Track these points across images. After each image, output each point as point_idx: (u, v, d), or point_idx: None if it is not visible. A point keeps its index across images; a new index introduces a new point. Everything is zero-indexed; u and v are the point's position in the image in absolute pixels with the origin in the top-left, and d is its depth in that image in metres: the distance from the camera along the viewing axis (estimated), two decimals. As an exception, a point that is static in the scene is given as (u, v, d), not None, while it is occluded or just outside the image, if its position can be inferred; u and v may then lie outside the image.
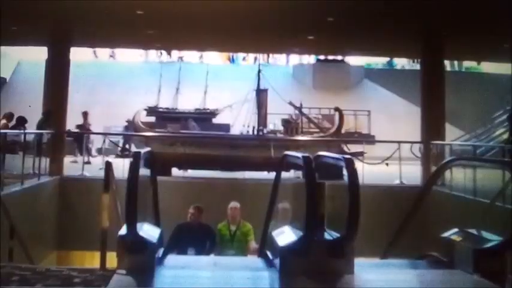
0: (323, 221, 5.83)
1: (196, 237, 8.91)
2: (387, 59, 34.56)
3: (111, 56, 34.90)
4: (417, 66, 33.27)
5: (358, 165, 6.72)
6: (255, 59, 34.27)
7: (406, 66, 35.54)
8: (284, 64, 36.62)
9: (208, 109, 26.89)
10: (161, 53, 34.92)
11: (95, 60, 33.19)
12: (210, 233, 9.17)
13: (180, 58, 34.53)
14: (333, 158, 6.31)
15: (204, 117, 25.63)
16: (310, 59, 34.97)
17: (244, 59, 36.46)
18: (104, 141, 18.18)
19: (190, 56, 34.48)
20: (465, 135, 21.93)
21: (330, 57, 33.58)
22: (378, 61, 35.63)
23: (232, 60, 36.74)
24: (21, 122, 13.86)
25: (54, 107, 14.96)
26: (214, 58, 34.81)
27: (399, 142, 15.47)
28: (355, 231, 5.31)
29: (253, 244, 8.59)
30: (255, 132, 18.76)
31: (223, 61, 36.13)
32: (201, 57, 34.89)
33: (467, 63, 35.02)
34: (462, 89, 28.22)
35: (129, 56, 34.02)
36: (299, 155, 6.24)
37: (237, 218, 9.11)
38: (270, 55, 35.89)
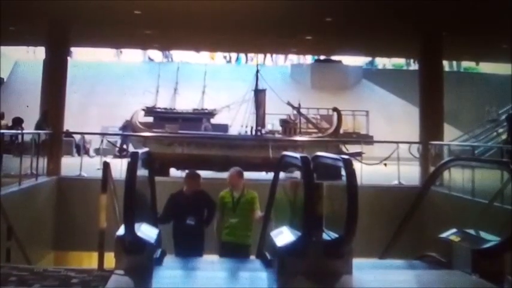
0: (321, 221, 5.82)
1: (194, 205, 8.35)
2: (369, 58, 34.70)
3: (116, 55, 34.94)
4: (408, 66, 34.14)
5: (357, 165, 6.71)
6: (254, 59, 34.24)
7: (387, 65, 35.87)
8: (282, 64, 36.61)
9: (206, 109, 26.84)
10: (165, 55, 34.99)
11: (92, 61, 33.12)
12: (208, 200, 8.56)
13: (171, 57, 34.64)
14: (331, 158, 6.30)
15: (201, 117, 25.58)
16: (305, 59, 35.01)
17: (247, 60, 36.44)
18: (102, 141, 18.13)
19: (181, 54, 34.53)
20: (463, 136, 21.94)
21: (323, 57, 33.59)
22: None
23: (236, 60, 36.68)
24: (18, 122, 13.83)
25: (52, 107, 14.92)
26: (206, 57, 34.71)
27: (397, 142, 15.46)
28: (354, 231, 5.30)
29: (259, 213, 8.11)
30: (253, 133, 18.73)
31: (213, 60, 35.95)
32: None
33: (465, 64, 35.04)
34: (461, 89, 28.21)
35: (128, 57, 33.98)
36: (297, 155, 6.23)
37: (239, 185, 8.42)
38: (267, 56, 35.88)
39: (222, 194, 8.49)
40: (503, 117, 19.72)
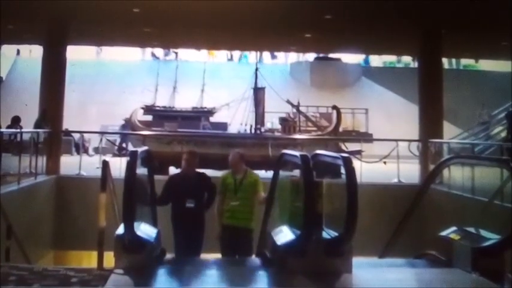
0: (321, 219, 5.81)
1: (194, 187, 8.02)
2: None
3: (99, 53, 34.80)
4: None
5: (356, 163, 6.70)
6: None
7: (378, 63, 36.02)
8: (283, 62, 36.61)
9: (205, 108, 26.83)
10: (167, 53, 34.97)
11: (91, 59, 33.10)
12: (209, 183, 8.27)
13: (176, 55, 34.62)
14: (330, 156, 6.29)
15: (201, 116, 25.58)
16: (304, 56, 35.01)
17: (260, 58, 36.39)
18: (101, 140, 18.09)
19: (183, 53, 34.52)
20: (463, 133, 21.93)
21: (323, 55, 33.61)
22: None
23: (241, 59, 36.57)
24: (16, 121, 13.82)
25: (51, 106, 14.90)
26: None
27: (397, 140, 15.46)
28: (353, 230, 5.29)
29: (262, 194, 7.83)
30: (253, 131, 18.73)
31: (213, 56, 35.86)
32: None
33: (465, 61, 35.05)
34: (460, 87, 28.20)
35: (126, 55, 33.91)
36: (297, 153, 6.22)
37: (240, 167, 8.18)
38: (267, 54, 35.87)
39: (224, 176, 8.30)
40: (497, 118, 19.73)
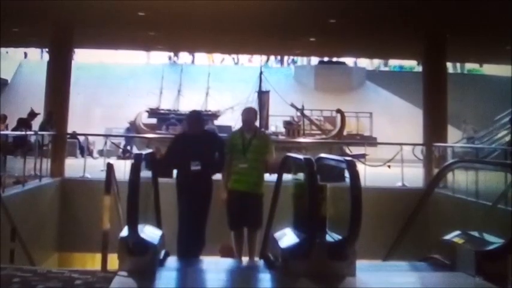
0: (325, 223, 5.82)
1: (201, 148, 7.08)
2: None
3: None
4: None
5: (360, 167, 6.69)
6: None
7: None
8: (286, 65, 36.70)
9: (209, 111, 26.88)
10: (173, 56, 35.04)
11: (97, 62, 33.18)
12: (218, 142, 7.39)
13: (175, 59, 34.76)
14: (334, 160, 6.29)
15: (205, 118, 25.62)
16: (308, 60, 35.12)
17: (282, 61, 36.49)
18: (106, 142, 18.14)
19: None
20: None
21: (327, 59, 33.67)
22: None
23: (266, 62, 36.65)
24: (22, 123, 13.86)
25: (56, 108, 14.94)
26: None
27: (401, 144, 15.46)
28: (357, 233, 5.30)
29: (273, 156, 7.15)
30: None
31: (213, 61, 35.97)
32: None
33: (469, 66, 35.02)
34: (464, 91, 28.17)
35: (131, 58, 34.02)
36: (301, 157, 6.23)
37: (252, 124, 7.37)
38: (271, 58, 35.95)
39: (231, 135, 7.58)
40: (501, 122, 19.65)
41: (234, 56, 35.58)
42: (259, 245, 7.04)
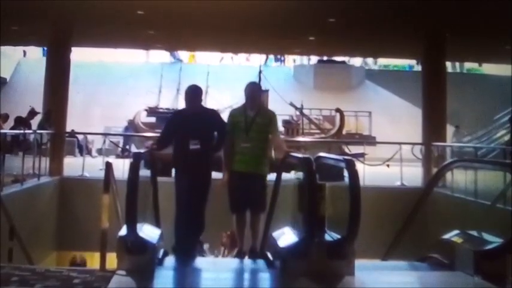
0: (323, 222, 5.82)
1: (199, 125, 6.62)
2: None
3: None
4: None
5: (359, 166, 6.67)
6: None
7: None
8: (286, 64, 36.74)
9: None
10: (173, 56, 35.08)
11: (96, 61, 33.13)
12: (218, 119, 6.87)
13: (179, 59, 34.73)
14: (333, 159, 6.30)
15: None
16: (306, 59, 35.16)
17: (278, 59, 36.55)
18: (104, 141, 18.12)
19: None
20: (466, 137, 21.92)
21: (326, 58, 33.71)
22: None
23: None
24: (20, 122, 13.83)
25: (55, 107, 14.91)
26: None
27: (400, 143, 15.45)
28: (356, 232, 5.30)
29: (278, 135, 6.75)
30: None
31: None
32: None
33: (468, 65, 35.03)
34: (464, 90, 28.19)
35: (130, 57, 33.99)
36: (300, 156, 6.22)
37: (256, 101, 6.87)
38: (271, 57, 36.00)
39: (233, 113, 6.96)
40: (501, 121, 19.70)
41: (233, 55, 35.53)
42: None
